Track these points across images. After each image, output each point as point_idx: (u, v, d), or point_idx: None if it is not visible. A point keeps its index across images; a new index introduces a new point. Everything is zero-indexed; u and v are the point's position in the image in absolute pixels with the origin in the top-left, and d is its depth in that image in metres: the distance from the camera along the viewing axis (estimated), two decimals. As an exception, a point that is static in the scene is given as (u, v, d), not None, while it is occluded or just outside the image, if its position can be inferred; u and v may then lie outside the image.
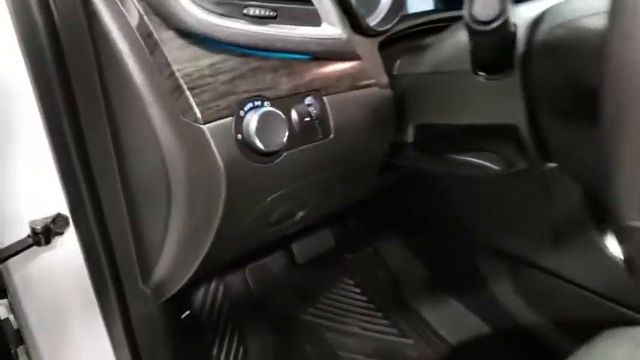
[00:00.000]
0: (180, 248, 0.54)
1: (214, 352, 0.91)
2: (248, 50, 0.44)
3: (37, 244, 0.51)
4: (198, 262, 0.53)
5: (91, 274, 0.57)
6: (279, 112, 0.44)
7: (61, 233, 0.54)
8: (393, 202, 1.12)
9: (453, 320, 1.06)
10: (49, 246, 0.52)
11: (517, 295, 0.97)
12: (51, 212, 0.52)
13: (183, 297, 0.88)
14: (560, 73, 0.40)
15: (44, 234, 0.51)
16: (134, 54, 0.43)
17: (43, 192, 0.51)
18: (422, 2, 0.65)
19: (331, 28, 0.48)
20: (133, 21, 0.42)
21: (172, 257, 0.56)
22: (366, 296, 1.14)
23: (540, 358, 0.87)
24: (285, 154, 0.45)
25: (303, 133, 0.46)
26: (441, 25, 0.61)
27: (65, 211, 0.53)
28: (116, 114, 0.48)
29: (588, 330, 0.63)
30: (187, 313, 0.87)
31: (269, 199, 0.48)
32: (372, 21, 0.54)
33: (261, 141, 0.42)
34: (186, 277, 0.57)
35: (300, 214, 0.58)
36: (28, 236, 0.50)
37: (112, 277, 0.58)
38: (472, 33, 0.40)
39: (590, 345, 0.63)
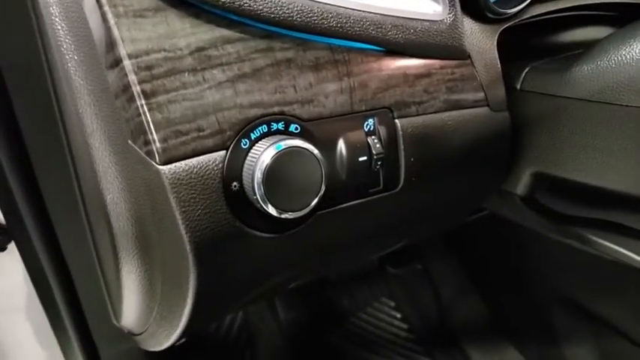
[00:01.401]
0: (141, 311, 0.37)
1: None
2: (271, 28, 0.24)
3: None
4: (176, 330, 0.35)
5: (42, 302, 0.43)
6: (313, 148, 0.24)
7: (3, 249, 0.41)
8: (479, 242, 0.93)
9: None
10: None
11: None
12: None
13: None
14: None
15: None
16: (70, 27, 0.24)
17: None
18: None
19: (429, 3, 0.27)
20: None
21: (135, 319, 0.39)
22: (406, 323, 0.97)
23: None
24: (314, 216, 0.26)
25: (352, 181, 0.26)
26: (603, 14, 0.38)
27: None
28: (65, 118, 0.30)
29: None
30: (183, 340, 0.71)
31: (277, 276, 0.29)
32: (506, 6, 0.32)
33: (273, 201, 0.23)
34: (173, 335, 0.40)
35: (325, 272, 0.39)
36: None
37: (68, 308, 0.44)
38: None
39: None
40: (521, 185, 0.36)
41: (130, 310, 0.37)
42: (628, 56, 0.28)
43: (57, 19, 0.24)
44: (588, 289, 0.73)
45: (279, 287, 0.38)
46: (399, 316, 0.98)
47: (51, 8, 0.24)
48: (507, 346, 0.90)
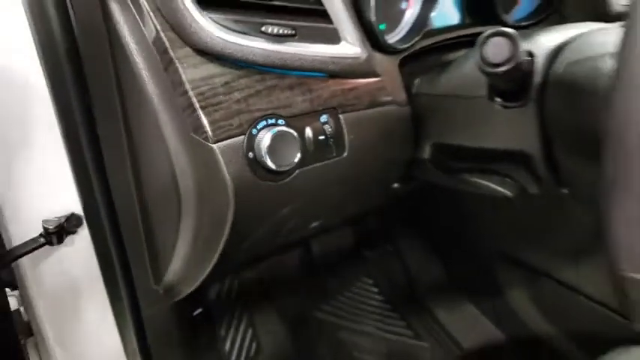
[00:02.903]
0: (190, 253, 0.55)
1: (227, 348, 0.93)
2: (264, 68, 0.44)
3: (49, 243, 0.52)
4: (209, 266, 0.54)
5: (103, 273, 0.59)
6: (293, 132, 0.43)
7: (73, 232, 0.55)
8: (415, 205, 1.11)
9: (468, 325, 1.06)
10: (62, 244, 0.54)
11: (533, 305, 0.96)
12: (64, 212, 0.54)
13: (196, 295, 0.91)
14: (573, 112, 0.39)
15: (57, 233, 0.52)
16: (150, 68, 0.43)
17: (57, 192, 0.52)
18: (447, 16, 0.63)
19: (350, 47, 0.48)
20: (150, 36, 0.42)
21: (183, 261, 0.57)
22: (383, 296, 1.15)
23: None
24: (297, 171, 0.45)
25: (317, 151, 0.46)
26: (466, 39, 0.60)
27: (79, 211, 0.55)
28: (132, 123, 0.49)
29: (602, 345, 0.63)
30: (200, 310, 0.89)
31: (279, 214, 0.48)
32: (393, 38, 0.53)
33: (272, 160, 0.42)
34: (198, 280, 0.58)
35: (313, 224, 0.58)
36: (41, 235, 0.52)
37: (123, 276, 0.60)
38: (484, 73, 0.40)
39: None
40: (427, 153, 0.56)
41: (180, 258, 0.55)
42: (467, 66, 0.49)
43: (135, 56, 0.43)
44: (518, 243, 0.92)
45: (281, 235, 0.56)
46: (375, 290, 1.16)
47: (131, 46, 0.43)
48: (466, 302, 1.08)
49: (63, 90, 0.47)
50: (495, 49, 0.38)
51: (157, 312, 0.67)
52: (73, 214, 0.55)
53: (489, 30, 0.38)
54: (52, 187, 0.52)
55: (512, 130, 0.46)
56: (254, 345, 1.00)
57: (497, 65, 0.38)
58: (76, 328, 0.60)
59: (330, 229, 0.76)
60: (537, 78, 0.43)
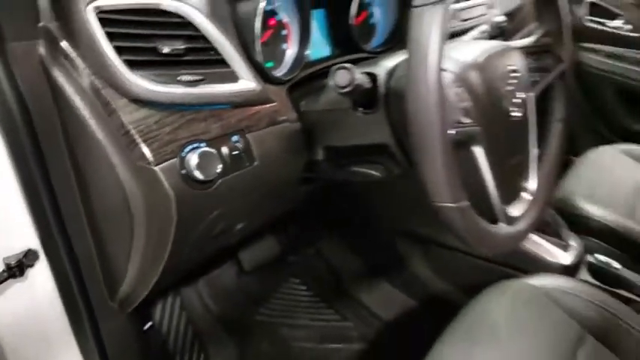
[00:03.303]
0: (142, 265, 0.67)
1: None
2: (184, 107, 0.58)
3: (12, 276, 0.61)
4: (157, 275, 0.67)
5: (62, 298, 0.68)
6: (213, 150, 0.58)
7: (31, 265, 0.64)
8: (326, 208, 1.28)
9: (385, 300, 1.24)
10: (23, 276, 0.62)
11: (431, 270, 1.16)
12: (22, 248, 0.62)
13: (145, 310, 1.00)
14: (403, 111, 0.57)
15: (18, 267, 0.61)
16: (95, 117, 0.56)
17: (13, 230, 0.61)
18: (321, 50, 0.81)
19: (247, 83, 0.64)
20: (92, 93, 0.55)
21: (135, 274, 0.69)
22: (311, 291, 1.30)
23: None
24: (220, 180, 0.60)
25: (233, 163, 0.61)
26: None
27: (33, 246, 0.63)
28: (80, 162, 0.61)
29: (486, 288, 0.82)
30: (150, 324, 0.99)
31: (210, 216, 0.62)
32: (280, 72, 0.70)
33: (200, 173, 0.57)
34: (148, 289, 0.70)
35: (239, 226, 0.73)
36: (3, 271, 0.61)
37: (82, 298, 0.70)
38: (338, 93, 0.57)
39: (481, 295, 0.82)
40: (320, 155, 0.73)
41: (132, 270, 0.67)
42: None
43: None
44: (407, 219, 1.11)
45: (214, 238, 0.70)
46: (304, 288, 1.30)
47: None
48: (380, 281, 1.26)
49: (17, 143, 0.58)
50: (340, 77, 0.55)
51: (114, 327, 0.77)
52: (29, 250, 0.65)
53: (336, 65, 0.56)
54: (8, 227, 0.62)
55: (373, 129, 0.65)
56: (202, 355, 1.11)
57: (343, 88, 0.55)
58: (39, 353, 0.68)
59: (254, 231, 0.90)
60: (382, 90, 0.62)
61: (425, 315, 1.19)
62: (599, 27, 1.61)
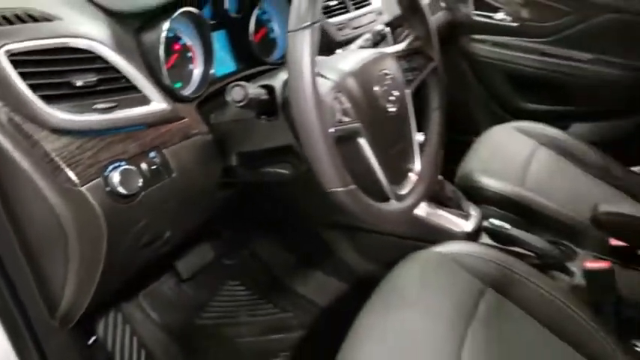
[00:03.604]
0: (78, 280, 0.73)
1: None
2: (102, 132, 0.65)
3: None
4: (94, 287, 0.73)
5: (2, 321, 0.72)
6: (133, 167, 0.66)
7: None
8: (255, 210, 1.37)
9: (319, 287, 1.34)
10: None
11: (357, 253, 1.27)
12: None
13: (87, 325, 1.04)
14: None
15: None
16: (19, 149, 0.62)
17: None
18: (226, 66, 0.90)
19: (158, 104, 0.71)
20: (14, 128, 0.61)
21: (73, 290, 0.74)
22: (250, 290, 1.37)
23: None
24: (143, 193, 0.68)
25: (153, 177, 0.69)
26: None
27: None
28: (7, 192, 0.65)
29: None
30: (94, 338, 1.03)
31: (137, 226, 0.70)
32: (188, 91, 0.79)
33: (123, 188, 0.64)
34: (86, 303, 0.76)
35: (167, 234, 0.80)
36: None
37: (21, 318, 0.74)
38: (236, 107, 0.66)
39: (395, 268, 0.93)
40: (234, 160, 0.82)
41: (70, 286, 0.72)
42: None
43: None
44: (326, 209, 1.21)
45: (145, 247, 0.76)
46: (242, 288, 1.38)
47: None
48: (314, 270, 1.36)
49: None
50: (235, 93, 0.64)
51: (57, 344, 0.81)
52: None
53: (233, 83, 0.65)
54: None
55: (277, 133, 0.74)
56: (150, 364, 1.15)
57: (239, 102, 0.64)
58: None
59: (186, 239, 0.97)
60: (279, 100, 0.72)
61: (356, 295, 1.29)
62: (485, 20, 1.80)
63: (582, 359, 0.83)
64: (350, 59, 0.71)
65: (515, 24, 1.75)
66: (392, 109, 0.72)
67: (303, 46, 0.55)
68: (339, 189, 0.60)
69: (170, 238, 0.82)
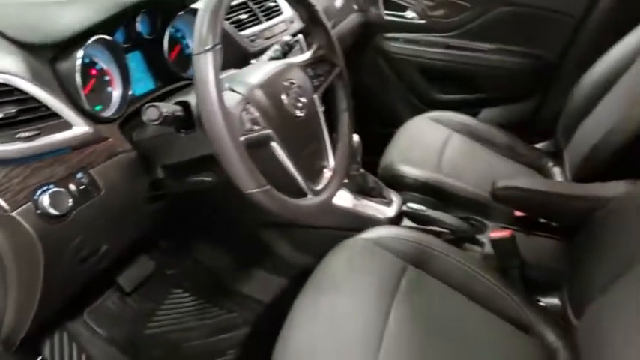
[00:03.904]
0: (19, 302, 0.76)
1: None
2: (28, 159, 0.69)
3: None
4: (34, 308, 0.76)
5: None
6: (61, 189, 0.70)
7: None
8: (192, 219, 1.41)
9: (262, 285, 1.40)
10: None
11: (294, 249, 1.35)
12: None
13: (32, 345, 1.06)
14: None
15: None
16: None
17: None
18: (144, 85, 0.95)
19: (80, 128, 0.76)
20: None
21: (14, 312, 0.77)
22: (195, 296, 1.41)
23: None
24: (74, 212, 0.72)
25: (82, 196, 0.74)
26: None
27: None
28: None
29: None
30: (40, 359, 1.05)
31: (73, 243, 0.74)
32: (109, 112, 0.83)
33: (54, 210, 0.68)
34: (27, 324, 0.79)
35: (103, 248, 0.85)
36: None
37: None
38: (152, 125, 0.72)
39: (326, 256, 1.01)
40: (161, 174, 0.88)
41: (10, 311, 0.76)
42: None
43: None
44: (255, 210, 1.28)
45: (83, 262, 0.80)
46: (187, 294, 1.42)
47: None
48: (256, 269, 1.42)
49: None
50: (149, 113, 0.70)
51: None
52: None
53: (147, 104, 0.70)
54: None
55: (197, 144, 0.80)
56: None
57: (155, 121, 0.70)
58: None
59: (123, 253, 1.02)
60: (196, 113, 0.78)
61: (297, 288, 1.38)
62: (396, 19, 1.93)
63: (493, 316, 0.95)
64: (258, 72, 0.78)
65: (423, 21, 1.88)
66: (300, 114, 0.80)
67: (207, 67, 0.62)
68: (255, 190, 0.67)
69: (107, 253, 0.87)
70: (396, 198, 1.32)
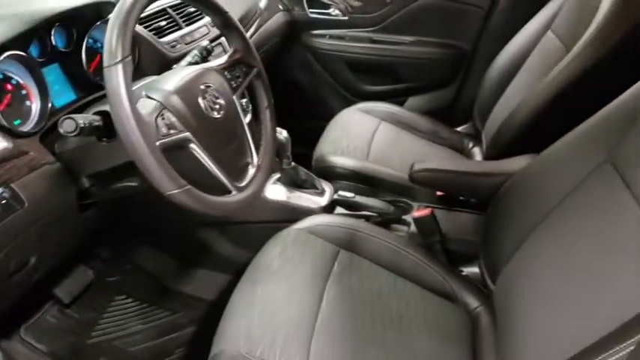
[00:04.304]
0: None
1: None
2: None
3: None
4: None
5: None
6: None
7: None
8: (128, 225, 1.42)
9: (205, 284, 1.43)
10: None
11: (233, 245, 1.39)
12: None
13: None
14: None
15: None
16: None
17: None
18: (64, 96, 0.96)
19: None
20: None
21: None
22: (138, 301, 1.42)
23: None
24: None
25: (5, 210, 0.75)
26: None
27: None
28: None
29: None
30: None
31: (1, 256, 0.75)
32: (29, 126, 0.84)
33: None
34: None
35: (33, 260, 0.86)
36: None
37: None
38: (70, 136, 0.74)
39: (262, 248, 1.05)
40: (87, 183, 0.89)
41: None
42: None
43: None
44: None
45: (14, 274, 0.81)
46: (131, 300, 1.43)
47: None
48: (199, 268, 1.44)
49: None
50: (66, 126, 0.72)
51: None
52: None
53: (63, 116, 0.72)
54: None
55: (120, 151, 0.82)
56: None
57: (71, 133, 0.73)
58: None
59: (56, 264, 1.02)
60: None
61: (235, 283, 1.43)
62: (320, 16, 1.99)
63: (420, 289, 1.04)
64: (174, 79, 0.82)
65: (346, 17, 1.96)
66: (218, 116, 0.84)
67: (117, 79, 0.66)
68: (175, 191, 0.71)
69: (37, 265, 0.88)
70: (327, 188, 1.39)
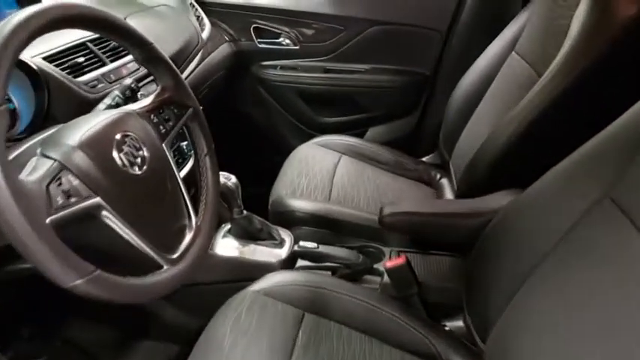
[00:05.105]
0: None
1: None
2: None
3: None
4: None
5: None
6: None
7: None
8: (53, 299, 1.21)
9: (150, 355, 1.24)
10: None
11: (179, 311, 1.23)
12: None
13: None
14: None
15: None
16: None
17: None
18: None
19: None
20: None
21: None
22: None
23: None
24: None
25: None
26: None
27: None
28: None
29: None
30: None
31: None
32: None
33: None
34: None
35: None
36: None
37: None
38: None
39: (212, 318, 0.88)
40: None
41: None
42: None
43: None
44: None
45: None
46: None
47: None
48: (141, 341, 1.27)
49: None
50: None
51: None
52: None
53: None
54: None
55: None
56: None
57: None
58: None
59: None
60: None
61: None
62: (271, 46, 1.87)
63: (400, 352, 0.89)
64: (80, 129, 0.64)
65: (297, 47, 1.84)
66: (138, 172, 0.67)
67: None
68: (77, 282, 0.53)
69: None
70: (287, 237, 1.23)
